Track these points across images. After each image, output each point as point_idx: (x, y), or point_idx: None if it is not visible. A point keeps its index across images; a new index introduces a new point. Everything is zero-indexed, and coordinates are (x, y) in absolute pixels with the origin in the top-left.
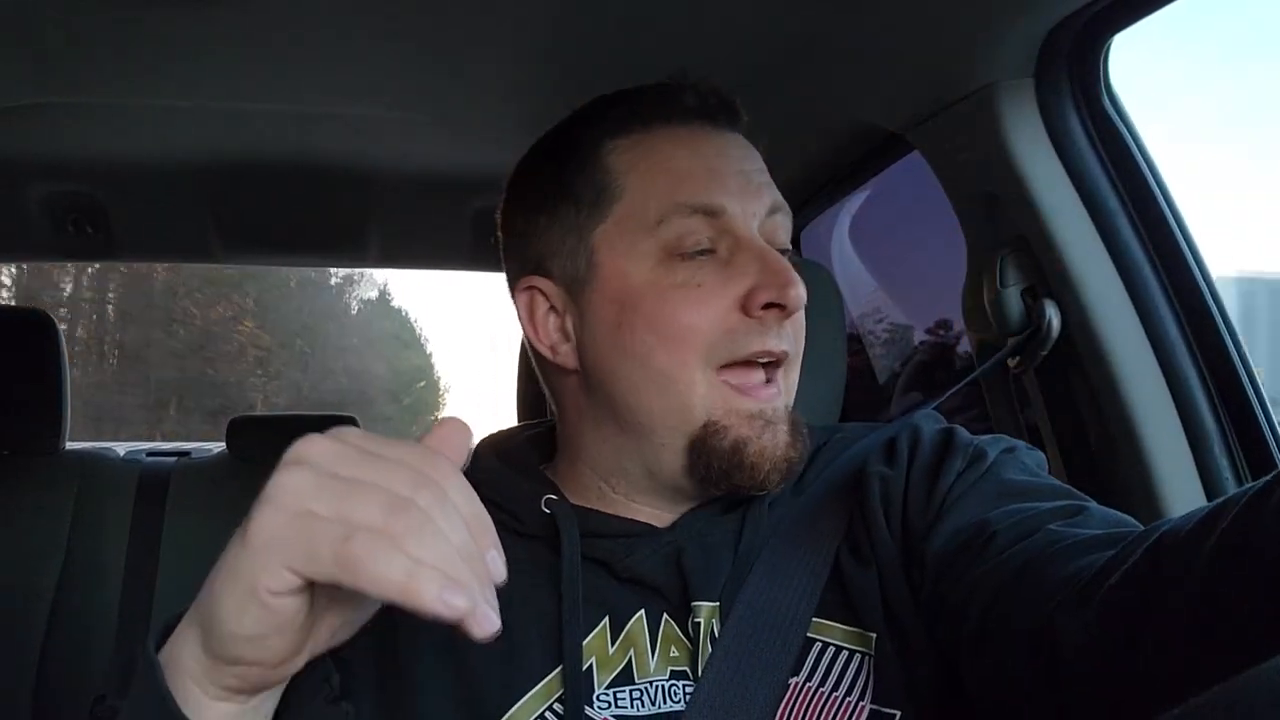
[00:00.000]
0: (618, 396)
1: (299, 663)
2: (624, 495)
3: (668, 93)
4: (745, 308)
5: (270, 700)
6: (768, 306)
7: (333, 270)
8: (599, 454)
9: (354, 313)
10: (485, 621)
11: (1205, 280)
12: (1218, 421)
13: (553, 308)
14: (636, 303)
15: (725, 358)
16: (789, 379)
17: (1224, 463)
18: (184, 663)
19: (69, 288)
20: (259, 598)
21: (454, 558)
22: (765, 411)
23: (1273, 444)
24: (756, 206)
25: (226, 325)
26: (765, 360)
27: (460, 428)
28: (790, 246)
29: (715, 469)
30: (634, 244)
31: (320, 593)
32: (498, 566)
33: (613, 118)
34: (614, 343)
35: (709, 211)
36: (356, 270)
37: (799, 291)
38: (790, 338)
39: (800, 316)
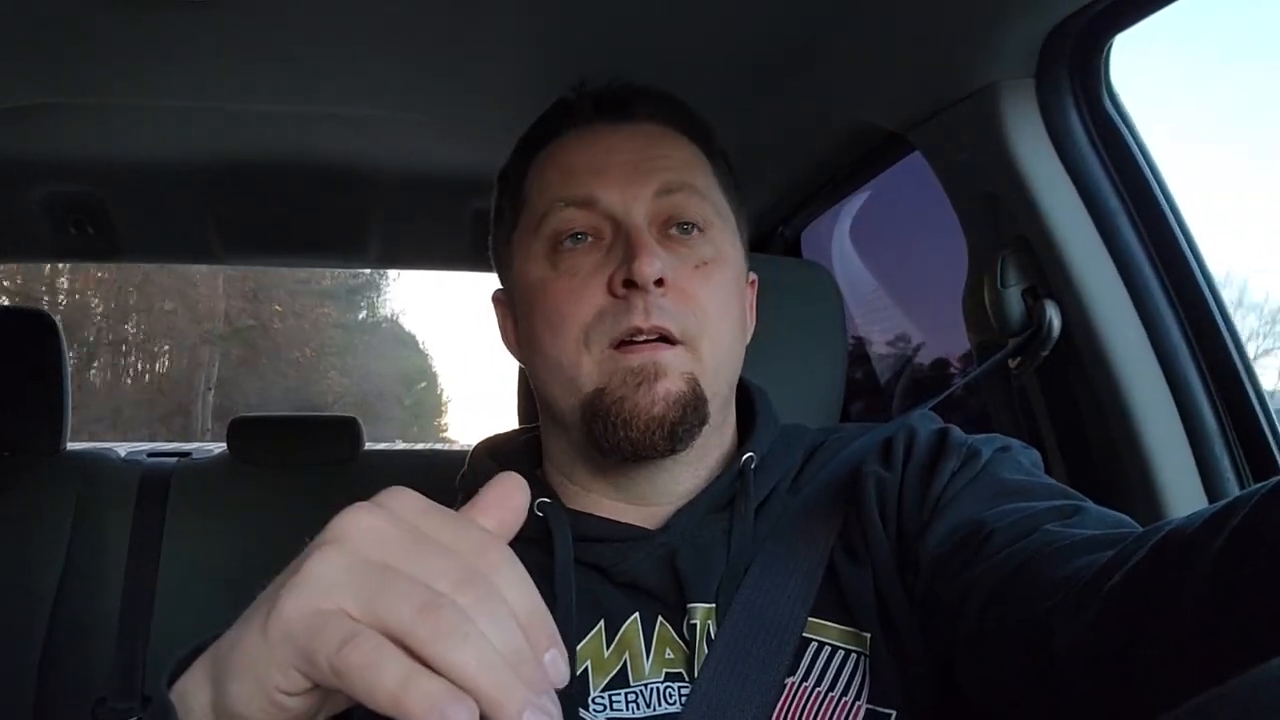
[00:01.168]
0: (535, 387)
1: None
2: (583, 488)
3: (565, 104)
4: (611, 289)
5: None
6: (627, 284)
7: (375, 310)
8: (550, 448)
9: (360, 318)
10: None
11: (1206, 280)
12: (1219, 421)
13: (513, 316)
14: (533, 299)
15: (604, 339)
16: (697, 351)
17: (1225, 463)
18: (193, 711)
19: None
20: (269, 695)
21: (495, 663)
22: (646, 368)
23: (1273, 444)
24: (640, 190)
25: (323, 367)
26: (640, 339)
27: (519, 486)
28: (694, 220)
29: (600, 432)
30: (529, 245)
31: None
32: (558, 669)
33: (532, 138)
34: (526, 338)
35: (581, 202)
36: (388, 310)
37: (644, 265)
38: (670, 312)
39: (705, 290)
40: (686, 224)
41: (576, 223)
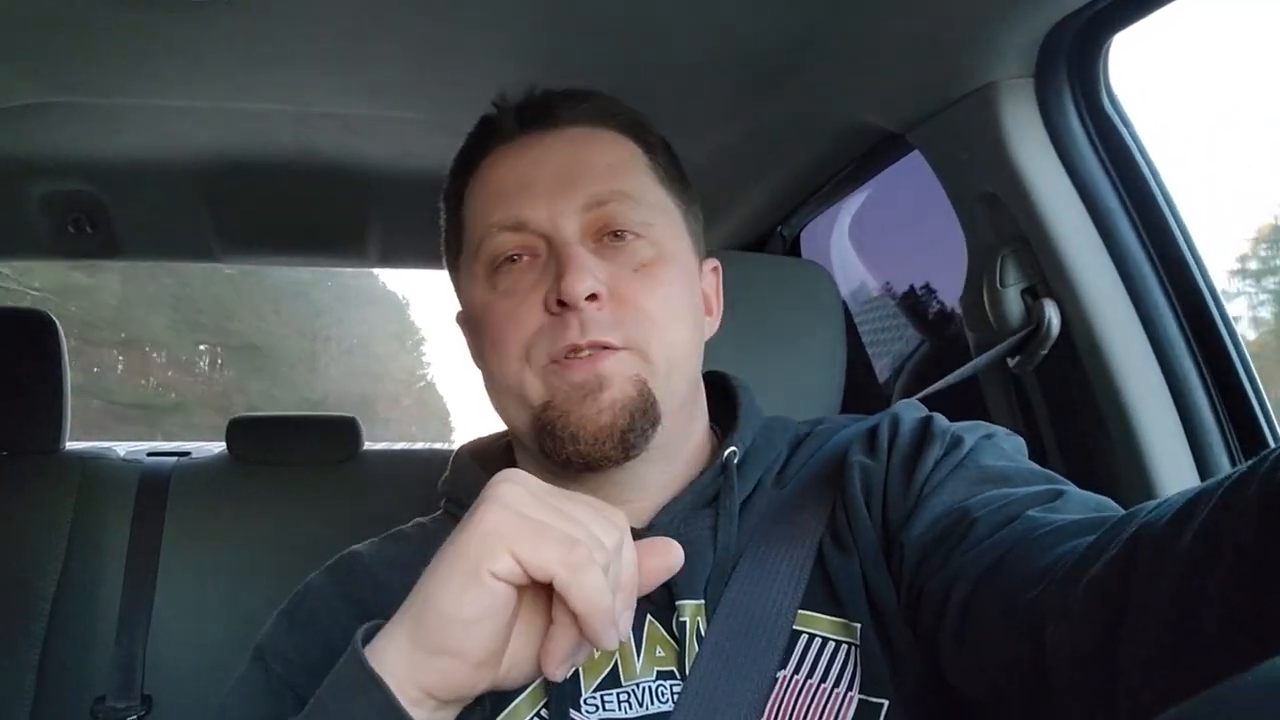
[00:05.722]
0: (491, 402)
1: (490, 675)
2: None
3: (489, 120)
4: (547, 307)
5: None
6: (560, 303)
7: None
8: (518, 455)
9: (354, 315)
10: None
11: (1205, 279)
12: (1217, 421)
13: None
14: (479, 320)
15: (543, 355)
16: (645, 354)
17: (1223, 462)
18: (387, 663)
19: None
20: (480, 578)
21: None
22: (589, 381)
23: (1271, 443)
24: (566, 204)
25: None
26: (582, 354)
27: (672, 549)
28: (627, 227)
29: (551, 448)
30: (471, 270)
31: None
32: (624, 624)
33: (464, 158)
34: (476, 358)
35: (512, 226)
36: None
37: (573, 284)
38: (609, 324)
39: (647, 292)
40: (620, 231)
41: (510, 245)
